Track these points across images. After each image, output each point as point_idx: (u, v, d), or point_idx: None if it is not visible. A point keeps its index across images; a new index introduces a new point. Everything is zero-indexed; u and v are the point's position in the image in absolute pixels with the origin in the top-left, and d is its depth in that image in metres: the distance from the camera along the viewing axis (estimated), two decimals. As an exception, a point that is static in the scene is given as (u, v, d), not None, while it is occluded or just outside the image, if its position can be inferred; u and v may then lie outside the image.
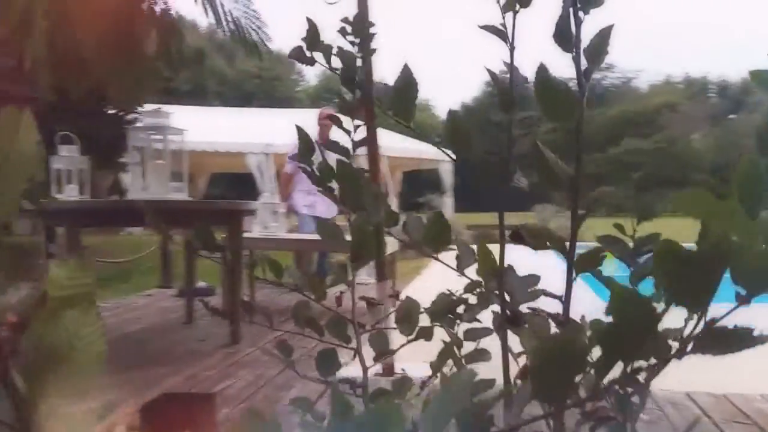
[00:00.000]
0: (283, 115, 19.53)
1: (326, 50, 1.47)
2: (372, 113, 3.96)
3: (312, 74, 66.10)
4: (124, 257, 9.44)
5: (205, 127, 18.85)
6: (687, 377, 3.61)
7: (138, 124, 5.03)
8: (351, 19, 1.51)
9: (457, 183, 23.92)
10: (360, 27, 1.53)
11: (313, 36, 1.44)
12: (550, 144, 1.06)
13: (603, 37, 1.10)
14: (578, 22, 1.08)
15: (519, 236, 1.24)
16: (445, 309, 1.37)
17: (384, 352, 1.44)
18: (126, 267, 9.38)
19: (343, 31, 1.52)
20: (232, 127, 19.21)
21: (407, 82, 1.34)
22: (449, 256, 1.29)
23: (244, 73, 54.89)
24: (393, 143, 23.77)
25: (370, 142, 4.05)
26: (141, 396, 3.43)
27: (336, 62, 1.46)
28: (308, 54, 1.45)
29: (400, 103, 1.34)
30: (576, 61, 1.10)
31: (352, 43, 1.52)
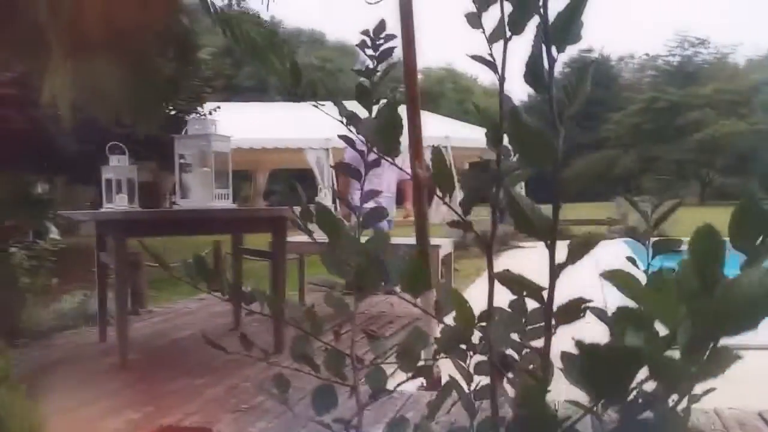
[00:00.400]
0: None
1: (313, 86, 1.45)
2: (416, 107, 3.92)
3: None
4: (180, 259, 9.52)
5: (265, 124, 19.01)
6: (759, 395, 3.48)
7: (183, 132, 5.05)
8: (371, 31, 1.50)
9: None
10: (378, 40, 1.51)
11: (295, 76, 1.41)
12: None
13: (581, 75, 1.04)
14: (551, 61, 1.02)
15: (510, 276, 1.19)
16: (455, 339, 1.32)
17: (380, 390, 1.39)
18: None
19: (362, 44, 1.51)
20: (292, 123, 19.28)
21: (391, 119, 1.30)
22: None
23: (306, 66, 55.12)
24: (458, 133, 23.64)
25: (414, 136, 3.98)
26: (180, 408, 3.45)
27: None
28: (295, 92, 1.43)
29: (383, 141, 1.31)
30: (550, 103, 1.04)
31: (371, 57, 1.51)
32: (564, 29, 1.00)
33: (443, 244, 6.40)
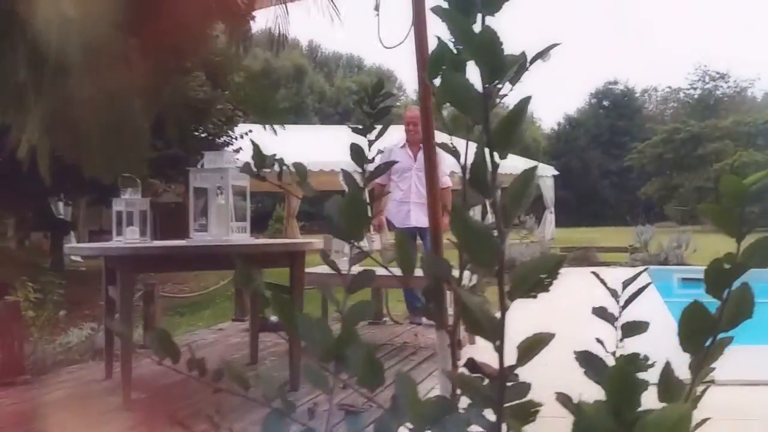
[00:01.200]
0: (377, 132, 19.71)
1: (279, 164, 1.46)
2: (431, 133, 3.90)
3: (411, 89, 66.04)
4: (203, 284, 9.54)
5: (300, 146, 19.21)
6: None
7: (200, 165, 5.03)
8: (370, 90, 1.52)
9: (557, 196, 23.80)
10: (377, 98, 1.53)
11: (259, 157, 1.42)
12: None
13: (525, 180, 1.04)
14: (494, 166, 1.02)
15: (474, 365, 1.17)
16: (438, 414, 1.29)
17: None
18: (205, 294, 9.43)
19: (360, 102, 1.53)
20: (327, 145, 19.53)
21: (356, 206, 1.29)
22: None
23: (342, 89, 55.63)
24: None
25: (429, 161, 3.97)
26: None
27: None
28: (257, 171, 1.44)
29: (349, 226, 1.30)
30: (494, 206, 1.03)
31: (368, 114, 1.53)
32: (505, 137, 1.00)
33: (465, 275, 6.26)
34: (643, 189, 46.59)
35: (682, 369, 0.98)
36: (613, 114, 57.62)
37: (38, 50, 1.66)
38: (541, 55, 1.13)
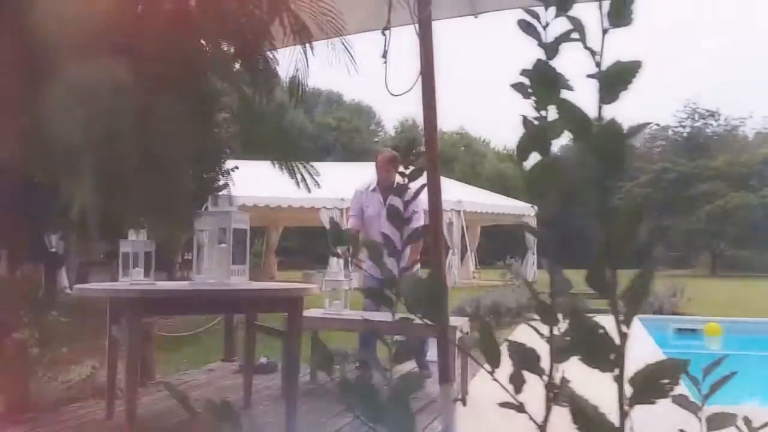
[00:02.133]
0: (357, 168, 19.74)
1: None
2: (437, 175, 3.89)
3: (390, 125, 66.00)
4: (190, 320, 9.43)
5: (279, 182, 19.21)
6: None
7: (204, 208, 5.02)
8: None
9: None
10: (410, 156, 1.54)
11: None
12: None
13: (643, 281, 1.02)
14: (615, 267, 1.00)
15: None
16: None
17: None
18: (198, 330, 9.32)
19: (395, 160, 1.53)
20: (308, 182, 19.42)
21: (436, 288, 1.26)
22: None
23: (322, 125, 55.78)
24: (472, 197, 23.72)
25: (432, 199, 3.97)
26: None
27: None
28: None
29: (427, 311, 1.26)
30: (614, 307, 1.01)
31: (402, 174, 1.54)
32: (626, 241, 0.99)
33: (459, 323, 6.08)
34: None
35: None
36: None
37: (90, 110, 1.64)
38: (635, 133, 1.12)
